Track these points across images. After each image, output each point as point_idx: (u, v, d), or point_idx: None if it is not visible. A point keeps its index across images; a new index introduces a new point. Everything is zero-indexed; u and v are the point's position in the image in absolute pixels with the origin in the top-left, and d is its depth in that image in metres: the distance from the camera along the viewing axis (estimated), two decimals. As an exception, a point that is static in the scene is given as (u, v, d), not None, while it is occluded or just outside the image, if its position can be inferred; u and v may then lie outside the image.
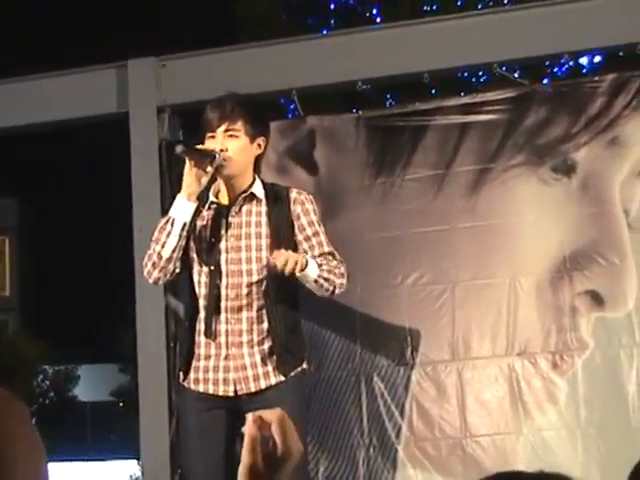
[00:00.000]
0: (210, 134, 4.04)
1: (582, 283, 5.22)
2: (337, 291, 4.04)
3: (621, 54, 7.14)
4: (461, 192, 5.45)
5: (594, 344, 5.19)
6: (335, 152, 5.67)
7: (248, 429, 1.48)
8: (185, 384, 4.05)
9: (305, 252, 4.00)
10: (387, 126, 5.62)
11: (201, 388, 4.00)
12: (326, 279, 3.97)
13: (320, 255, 4.03)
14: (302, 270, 3.85)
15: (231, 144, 4.01)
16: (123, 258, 6.34)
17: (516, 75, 5.79)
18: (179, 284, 4.20)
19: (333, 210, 5.57)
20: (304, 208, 4.09)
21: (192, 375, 4.02)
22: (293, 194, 4.11)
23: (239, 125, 4.04)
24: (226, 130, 4.02)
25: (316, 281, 3.95)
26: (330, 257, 4.04)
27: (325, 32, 10.64)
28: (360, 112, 5.75)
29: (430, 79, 5.56)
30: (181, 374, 4.09)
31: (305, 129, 5.70)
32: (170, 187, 5.74)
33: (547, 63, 9.75)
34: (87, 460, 28.73)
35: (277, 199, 4.07)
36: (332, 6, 13.61)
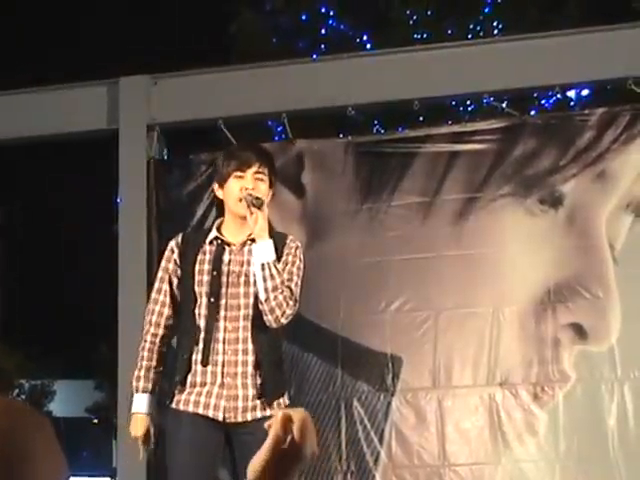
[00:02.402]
0: (239, 174, 4.15)
1: (565, 316, 5.22)
2: (274, 307, 4.03)
3: (609, 88, 7.18)
4: (447, 220, 5.46)
5: (576, 377, 5.19)
6: (323, 176, 5.67)
7: (275, 427, 1.49)
8: (173, 406, 4.14)
9: None
10: (376, 152, 5.62)
11: (191, 408, 4.10)
12: (271, 276, 4.02)
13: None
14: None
15: (260, 186, 4.16)
16: (106, 274, 6.31)
17: (504, 105, 5.80)
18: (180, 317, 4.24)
19: (318, 234, 5.57)
20: (296, 253, 4.20)
21: (183, 397, 4.12)
22: (289, 240, 4.23)
23: (267, 170, 4.20)
24: (256, 172, 4.16)
25: (263, 266, 4.02)
26: (287, 290, 4.09)
27: (315, 56, 10.64)
28: (350, 137, 5.76)
29: (419, 107, 5.58)
30: (168, 399, 4.16)
31: (294, 152, 5.70)
32: (156, 205, 5.74)
33: (535, 95, 9.77)
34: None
35: (276, 243, 4.15)
36: (323, 31, 13.64)
